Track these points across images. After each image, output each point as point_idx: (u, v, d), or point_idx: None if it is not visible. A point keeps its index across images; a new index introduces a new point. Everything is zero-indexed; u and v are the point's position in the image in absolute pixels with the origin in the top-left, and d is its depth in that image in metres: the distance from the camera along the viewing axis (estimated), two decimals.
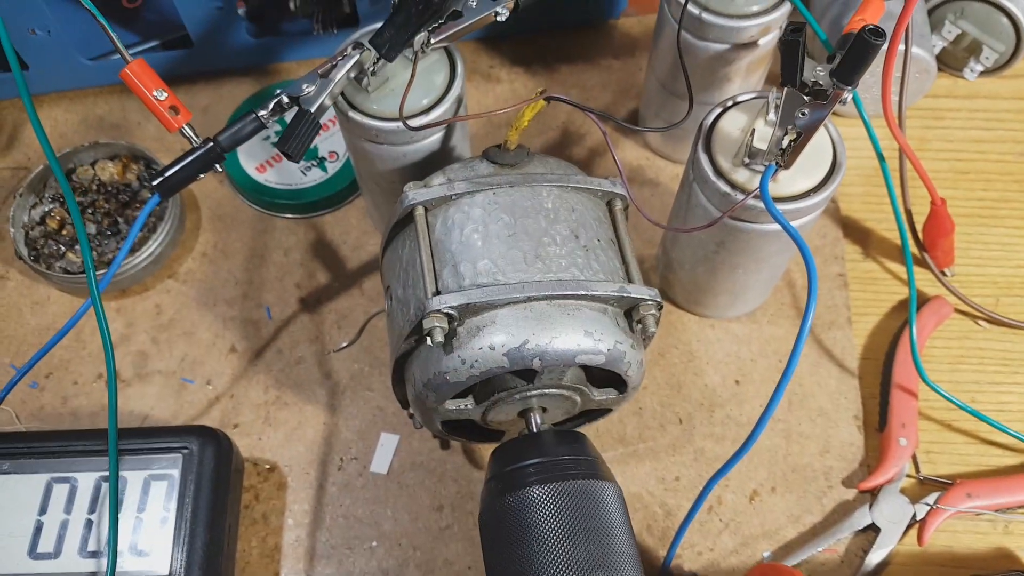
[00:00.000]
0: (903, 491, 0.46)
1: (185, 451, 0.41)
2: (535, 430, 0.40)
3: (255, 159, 0.56)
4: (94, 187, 0.55)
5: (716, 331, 0.51)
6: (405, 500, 0.46)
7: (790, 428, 0.48)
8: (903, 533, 0.44)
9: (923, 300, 0.51)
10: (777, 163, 0.39)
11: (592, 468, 0.37)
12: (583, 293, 0.37)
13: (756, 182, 0.40)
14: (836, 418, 0.48)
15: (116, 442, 0.38)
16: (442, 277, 0.38)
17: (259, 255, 0.54)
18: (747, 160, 0.40)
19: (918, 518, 0.45)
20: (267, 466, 0.47)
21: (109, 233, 0.53)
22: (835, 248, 0.54)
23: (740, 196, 0.40)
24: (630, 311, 0.38)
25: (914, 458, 0.47)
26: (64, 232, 0.53)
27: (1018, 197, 0.56)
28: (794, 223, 0.41)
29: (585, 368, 0.41)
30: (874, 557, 0.44)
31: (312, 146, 0.56)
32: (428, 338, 0.36)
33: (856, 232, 0.55)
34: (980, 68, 0.58)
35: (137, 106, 0.60)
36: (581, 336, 0.36)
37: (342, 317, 0.52)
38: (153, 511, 0.41)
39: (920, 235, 0.52)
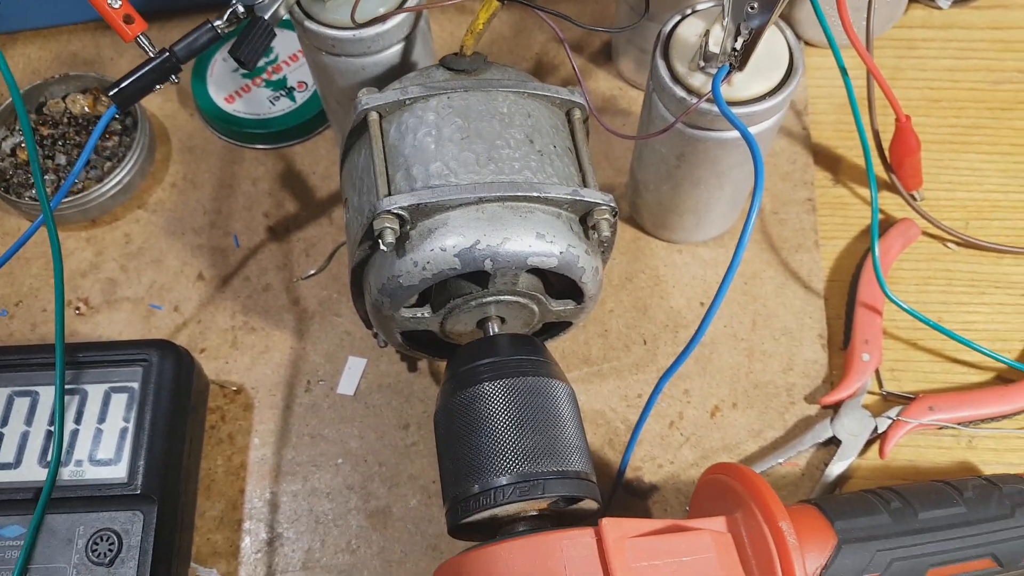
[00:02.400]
0: (866, 406, 0.45)
1: (144, 363, 0.41)
2: (485, 337, 0.39)
3: (224, 89, 0.55)
4: (65, 119, 0.54)
5: (683, 256, 0.50)
6: (372, 420, 0.46)
7: (753, 347, 0.48)
8: (864, 446, 0.44)
9: (891, 222, 0.51)
10: (730, 64, 0.38)
11: (543, 368, 0.37)
12: (535, 195, 0.36)
13: (708, 87, 0.39)
14: (800, 337, 0.48)
15: (63, 347, 0.38)
16: (395, 181, 0.37)
17: (228, 185, 0.54)
18: (702, 64, 0.39)
19: (879, 432, 0.44)
20: (233, 388, 0.47)
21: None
22: (804, 174, 0.53)
23: (694, 100, 0.39)
24: (584, 217, 0.38)
25: (877, 374, 0.46)
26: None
27: (989, 124, 0.55)
28: (752, 129, 0.41)
29: (542, 278, 0.41)
30: (834, 469, 0.43)
31: (281, 76, 0.56)
32: (379, 241, 0.36)
33: (826, 159, 0.54)
34: None
35: (111, 42, 0.59)
36: (533, 238, 0.36)
37: (311, 245, 0.52)
38: (113, 422, 0.40)
39: (887, 156, 0.51)
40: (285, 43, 0.57)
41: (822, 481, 0.43)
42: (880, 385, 0.46)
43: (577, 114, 0.41)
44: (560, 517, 0.36)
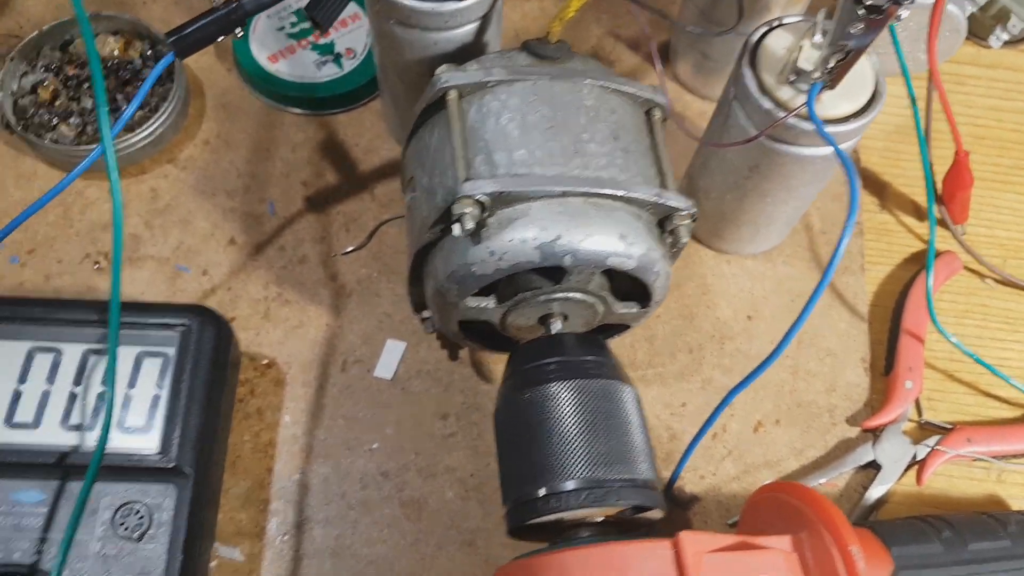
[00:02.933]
0: (905, 433, 0.45)
1: (183, 329, 0.39)
2: (550, 335, 0.38)
3: (267, 48, 0.53)
4: None
5: (732, 267, 0.50)
6: (409, 407, 0.45)
7: (798, 365, 0.47)
8: (903, 472, 0.44)
9: (936, 254, 0.51)
10: (823, 82, 0.37)
11: (612, 370, 0.36)
12: (621, 194, 0.35)
13: (799, 101, 0.38)
14: (844, 359, 0.48)
15: (119, 309, 0.35)
16: (474, 165, 0.35)
17: (265, 149, 0.51)
18: (792, 78, 0.39)
19: (918, 459, 0.44)
20: (264, 361, 0.45)
21: (108, 109, 0.49)
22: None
23: (782, 113, 0.38)
24: (663, 221, 0.37)
25: (917, 403, 0.46)
26: (58, 104, 0.49)
27: None
28: (826, 148, 0.40)
29: (610, 279, 0.39)
30: (874, 492, 0.43)
31: (329, 41, 0.53)
32: (457, 226, 0.34)
33: (873, 184, 0.54)
34: (1006, 37, 0.58)
35: None
36: (615, 238, 0.35)
37: (351, 220, 0.49)
38: (144, 388, 0.38)
39: (939, 188, 0.51)
40: None
41: (861, 504, 0.43)
42: (919, 413, 0.46)
43: (657, 114, 0.40)
44: (623, 524, 0.35)
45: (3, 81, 0.49)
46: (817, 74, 0.38)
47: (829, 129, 0.38)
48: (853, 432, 0.46)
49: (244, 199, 0.49)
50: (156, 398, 0.38)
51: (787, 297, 0.49)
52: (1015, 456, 0.45)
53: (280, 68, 0.52)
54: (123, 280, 0.46)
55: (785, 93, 0.39)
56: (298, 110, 0.52)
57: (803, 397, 0.46)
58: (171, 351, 0.39)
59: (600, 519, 0.34)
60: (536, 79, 0.37)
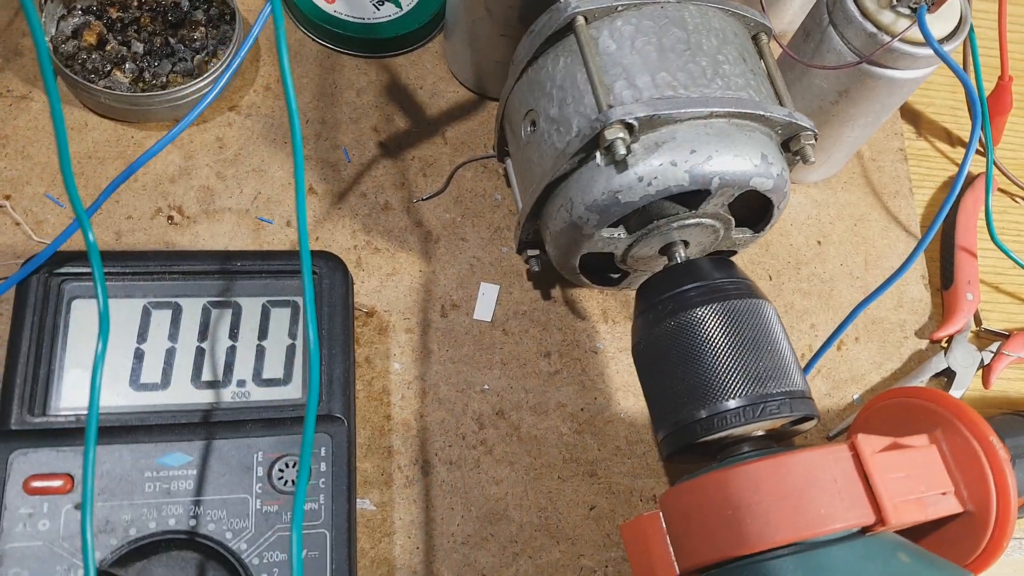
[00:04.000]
0: (970, 341, 0.47)
1: (313, 275, 0.36)
2: (680, 262, 0.38)
3: None
4: (135, 3, 0.46)
5: (797, 195, 0.50)
6: (512, 347, 0.43)
7: (868, 285, 0.49)
8: (973, 376, 0.46)
9: (971, 175, 0.53)
10: (928, 3, 0.38)
11: (750, 289, 0.36)
12: (761, 114, 0.35)
13: (900, 25, 0.39)
14: (906, 277, 0.49)
15: (309, 255, 0.31)
16: (615, 91, 0.34)
17: (329, 94, 0.48)
18: (894, 2, 0.39)
19: (984, 364, 0.47)
20: (365, 311, 0.42)
21: (163, 54, 0.45)
22: (895, 124, 0.55)
23: (887, 37, 0.39)
24: (788, 142, 0.37)
25: (976, 313, 0.49)
26: (108, 48, 0.44)
27: None
28: (920, 71, 0.41)
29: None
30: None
31: None
32: (604, 153, 0.33)
33: (908, 113, 0.56)
34: None
35: None
36: (758, 158, 0.34)
37: (427, 165, 0.47)
38: (277, 338, 0.35)
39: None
40: None
41: None
42: (978, 323, 0.49)
43: (764, 38, 0.39)
44: (778, 436, 0.35)
45: (42, 24, 0.43)
46: None
47: (927, 52, 0.39)
48: (923, 344, 0.48)
49: (316, 146, 0.46)
50: (292, 347, 0.35)
51: (850, 222, 0.50)
52: None
53: (338, 8, 0.48)
54: (202, 233, 0.43)
55: (886, 17, 0.39)
56: (356, 52, 0.49)
57: (876, 314, 0.48)
58: (298, 299, 0.36)
59: (760, 433, 0.34)
60: (664, 2, 0.36)
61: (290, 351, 0.35)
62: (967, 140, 0.54)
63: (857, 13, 0.39)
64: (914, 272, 0.50)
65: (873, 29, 0.39)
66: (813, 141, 0.36)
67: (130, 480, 0.31)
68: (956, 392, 0.46)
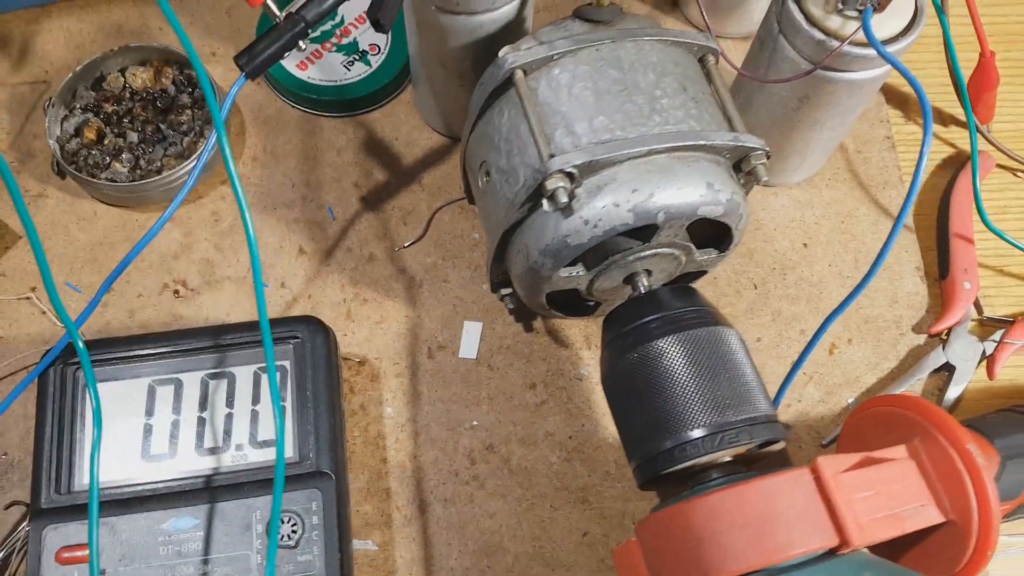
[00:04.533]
0: (971, 332, 0.46)
1: (295, 340, 0.39)
2: (643, 292, 0.38)
3: (295, 57, 0.51)
4: (127, 95, 0.49)
5: (779, 198, 0.50)
6: (498, 381, 0.45)
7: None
8: (975, 369, 0.45)
9: (965, 156, 0.51)
10: (872, 5, 0.37)
11: (712, 316, 0.36)
12: (702, 143, 0.35)
13: (848, 29, 0.38)
14: (899, 271, 0.48)
15: (268, 327, 0.34)
16: (555, 139, 0.35)
17: (311, 156, 0.50)
18: (840, 6, 0.38)
19: (987, 355, 0.45)
20: (357, 360, 0.45)
21: (155, 140, 0.48)
22: (879, 112, 0.53)
23: (835, 43, 0.38)
24: (739, 163, 0.37)
25: (976, 301, 0.47)
26: (106, 142, 0.48)
27: None
28: (877, 70, 0.40)
29: (689, 228, 0.39)
30: (952, 392, 0.44)
31: (352, 39, 0.52)
32: (548, 201, 0.34)
33: (895, 98, 0.54)
34: None
35: (156, 11, 0.54)
36: (704, 188, 0.35)
37: (407, 213, 0.49)
38: (268, 402, 0.38)
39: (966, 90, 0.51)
40: (350, 6, 0.53)
41: (943, 406, 0.44)
42: (979, 312, 0.47)
43: (711, 60, 0.39)
44: (748, 459, 0.35)
45: (48, 128, 0.47)
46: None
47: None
48: (921, 339, 0.47)
49: (304, 208, 0.49)
50: (282, 409, 0.38)
51: (836, 220, 0.49)
52: None
53: (311, 74, 0.51)
54: (205, 303, 0.46)
55: (833, 22, 0.38)
56: (333, 113, 0.51)
57: (869, 313, 0.47)
58: (287, 363, 0.38)
59: (728, 459, 0.34)
60: (599, 45, 0.36)
61: (281, 413, 0.37)
62: (959, 118, 0.52)
63: (804, 21, 0.39)
64: (908, 264, 0.49)
65: (821, 36, 0.38)
66: (764, 160, 0.36)
67: (146, 545, 0.34)
68: (957, 387, 0.44)
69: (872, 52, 0.38)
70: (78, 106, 0.49)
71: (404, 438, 0.43)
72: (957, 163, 0.51)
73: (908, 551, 0.35)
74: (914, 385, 0.45)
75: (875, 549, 0.37)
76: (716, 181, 0.35)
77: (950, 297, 0.46)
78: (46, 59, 0.53)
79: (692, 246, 0.39)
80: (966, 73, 0.51)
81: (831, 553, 0.30)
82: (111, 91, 0.50)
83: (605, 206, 0.34)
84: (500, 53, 0.37)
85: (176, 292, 0.46)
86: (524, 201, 0.35)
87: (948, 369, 0.45)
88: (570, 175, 0.34)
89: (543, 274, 0.37)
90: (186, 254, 0.47)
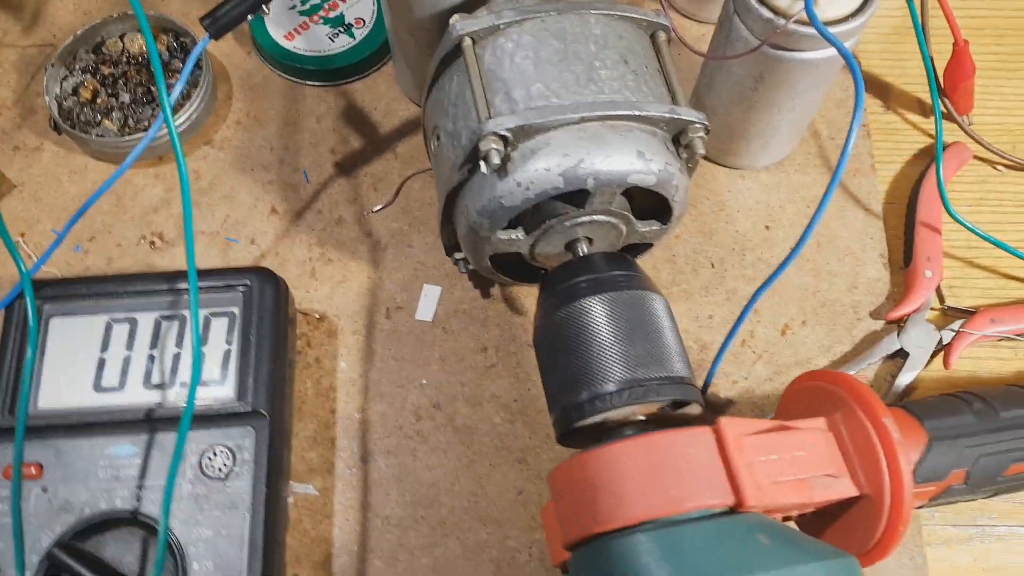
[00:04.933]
0: (929, 320, 0.45)
1: (244, 288, 0.40)
2: (575, 258, 0.39)
3: (283, 27, 0.53)
4: (124, 59, 0.52)
5: (746, 181, 0.50)
6: (451, 344, 0.46)
7: (819, 267, 0.47)
8: (930, 358, 0.44)
9: (944, 146, 0.50)
10: None
11: (641, 282, 0.37)
12: (635, 113, 0.35)
13: (798, 7, 0.38)
14: (863, 257, 0.48)
15: (195, 271, 0.37)
16: (494, 104, 0.36)
17: (292, 123, 0.52)
18: None
19: (943, 344, 0.45)
20: (317, 316, 0.46)
21: (144, 101, 0.51)
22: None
23: (782, 21, 0.38)
24: (677, 137, 0.37)
25: (939, 290, 0.46)
26: (99, 101, 0.51)
27: None
28: (830, 50, 0.40)
29: (630, 200, 0.40)
30: (903, 379, 0.44)
31: (339, 13, 0.54)
32: (484, 162, 0.35)
33: (876, 86, 0.54)
34: None
35: None
36: (634, 156, 0.35)
37: (378, 180, 0.50)
38: (216, 345, 0.40)
39: (941, 80, 0.50)
40: None
41: (892, 391, 0.44)
42: (941, 301, 0.46)
43: (662, 36, 0.40)
44: (664, 421, 0.36)
45: (47, 87, 0.50)
46: None
47: (831, 30, 0.38)
48: (878, 325, 0.46)
49: (280, 171, 0.51)
50: (227, 352, 0.39)
51: (802, 204, 0.49)
52: None
53: (297, 45, 0.53)
54: (179, 255, 0.48)
55: (783, 1, 0.39)
56: (317, 82, 0.53)
57: (827, 297, 0.47)
58: (236, 309, 0.40)
59: (642, 417, 0.35)
60: (544, 16, 0.37)
61: (226, 356, 0.39)
62: (946, 111, 0.52)
63: (753, 0, 0.39)
64: (872, 251, 0.48)
65: (769, 15, 0.38)
66: (702, 134, 0.37)
67: (87, 467, 0.36)
68: (909, 374, 0.44)
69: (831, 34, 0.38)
70: (78, 67, 0.52)
71: (354, 392, 0.45)
72: (933, 154, 0.50)
73: (831, 524, 0.35)
74: (865, 370, 0.45)
75: (802, 522, 0.37)
76: (648, 151, 0.36)
77: (910, 284, 0.46)
78: (55, 24, 0.56)
79: (630, 216, 0.39)
80: (944, 65, 0.50)
81: (731, 513, 0.31)
82: (109, 55, 0.52)
83: (537, 170, 0.35)
84: (451, 21, 0.38)
85: (152, 243, 0.49)
86: (463, 163, 0.36)
87: (902, 356, 0.44)
88: (504, 138, 0.35)
89: (482, 235, 0.38)
90: (165, 208, 0.50)
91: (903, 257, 0.47)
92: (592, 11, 0.38)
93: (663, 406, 0.34)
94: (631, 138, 0.35)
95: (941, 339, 0.44)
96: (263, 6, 0.39)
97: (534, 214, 0.38)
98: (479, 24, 0.37)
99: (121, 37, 0.53)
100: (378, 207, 0.50)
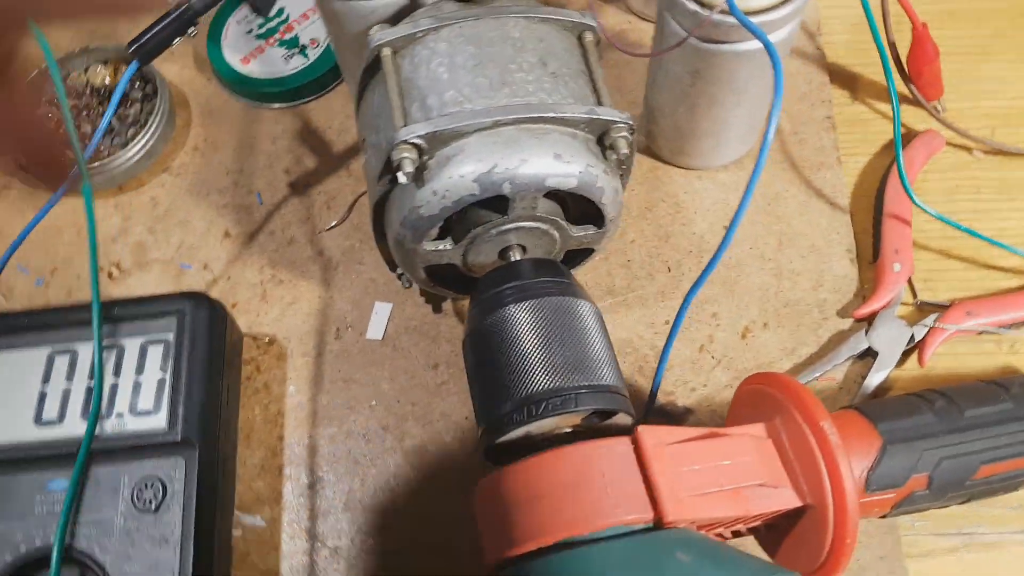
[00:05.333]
0: (901, 317, 0.43)
1: (178, 314, 0.40)
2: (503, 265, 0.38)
3: (239, 52, 0.54)
4: (87, 91, 0.53)
5: (703, 182, 0.48)
6: (401, 362, 0.45)
7: (780, 266, 0.45)
8: (903, 357, 0.42)
9: (914, 135, 0.48)
10: None
11: (567, 288, 0.35)
12: (551, 116, 0.34)
13: None
14: (828, 253, 0.45)
15: (99, 304, 0.37)
16: (411, 113, 0.35)
17: (248, 145, 0.52)
18: None
19: (916, 340, 0.42)
20: (266, 339, 0.46)
21: (105, 131, 0.51)
22: (821, 93, 0.50)
23: (707, 12, 0.37)
24: (601, 137, 0.36)
25: (911, 284, 0.44)
26: (61, 131, 0.52)
27: (1010, 33, 0.52)
28: (771, 39, 0.38)
29: (562, 204, 0.39)
30: (873, 380, 0.41)
31: (293, 35, 0.54)
32: (399, 172, 0.34)
33: (842, 78, 0.51)
34: None
35: (127, 18, 0.58)
36: (551, 159, 0.34)
37: (331, 198, 0.50)
38: (151, 373, 0.39)
39: (905, 67, 0.48)
40: (296, 1, 0.55)
41: (861, 393, 0.41)
42: (914, 295, 0.44)
43: (589, 37, 0.38)
44: (595, 433, 0.34)
45: None
46: None
47: (757, 20, 0.36)
48: (846, 324, 0.44)
49: (234, 194, 0.51)
50: (162, 381, 0.39)
51: (763, 201, 0.47)
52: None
53: (252, 68, 0.53)
54: (134, 284, 0.48)
55: None
56: (274, 104, 0.53)
57: (789, 296, 0.44)
58: (170, 336, 0.40)
59: (568, 430, 0.33)
60: (461, 22, 0.37)
61: (160, 384, 0.39)
62: (909, 97, 0.49)
63: None
64: (838, 246, 0.46)
65: (695, 7, 0.37)
66: (625, 134, 0.35)
67: (23, 504, 0.36)
68: (880, 374, 0.41)
69: (755, 19, 0.37)
70: (43, 100, 0.53)
71: (303, 417, 0.44)
72: (904, 143, 0.48)
73: (785, 539, 0.33)
74: (832, 371, 0.42)
75: (759, 537, 0.35)
76: (566, 153, 0.34)
77: (878, 279, 0.43)
78: (28, 60, 0.57)
79: (561, 221, 0.38)
80: (905, 52, 0.48)
81: (653, 529, 0.29)
82: (73, 87, 0.54)
83: (452, 177, 0.34)
84: (370, 32, 0.38)
85: (110, 274, 0.49)
86: (382, 173, 0.36)
87: (872, 355, 0.42)
88: (417, 146, 0.34)
89: (407, 247, 0.37)
90: (123, 237, 0.50)
91: (872, 251, 0.45)
92: (511, 15, 0.37)
93: (587, 416, 0.33)
94: (547, 140, 0.34)
95: (913, 336, 0.42)
96: (190, 28, 0.39)
97: (459, 223, 0.37)
98: (397, 33, 0.36)
99: (85, 70, 0.54)
100: (330, 225, 0.49)
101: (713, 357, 0.43)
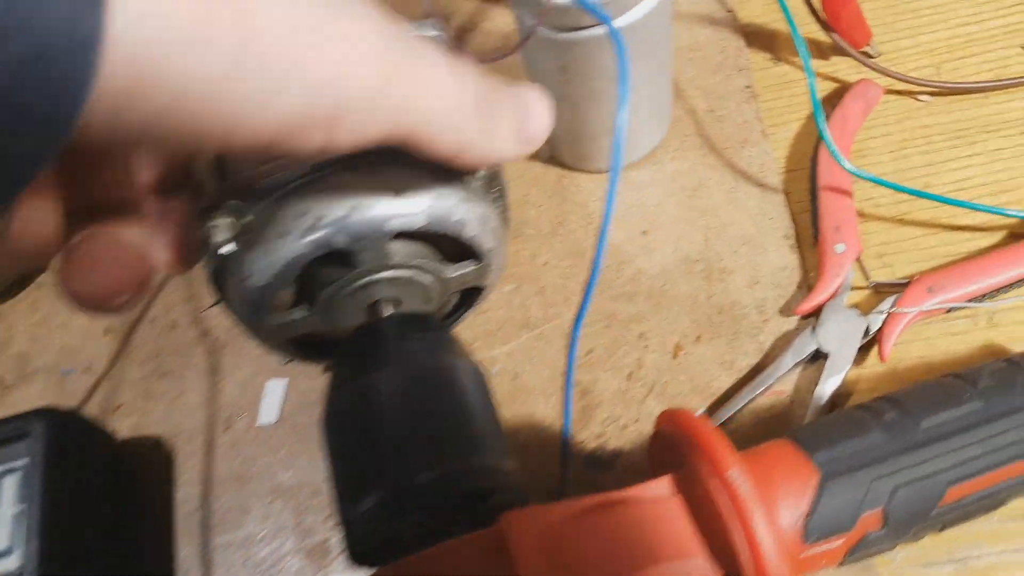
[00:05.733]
0: (854, 306, 0.37)
1: (27, 438, 0.36)
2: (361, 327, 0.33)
3: None
4: None
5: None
6: (299, 445, 0.40)
7: (709, 266, 0.40)
8: (859, 351, 0.36)
9: (845, 88, 0.42)
10: None
11: (438, 346, 0.30)
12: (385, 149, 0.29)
13: None
14: (763, 242, 0.40)
15: None
16: (227, 173, 0.31)
17: None
18: None
19: (873, 331, 0.36)
20: (153, 442, 0.42)
21: None
22: (738, 60, 0.45)
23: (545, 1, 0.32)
24: None
25: (860, 265, 0.38)
26: None
27: None
28: (626, 17, 0.33)
29: (431, 242, 0.34)
30: (827, 387, 0.35)
31: None
32: (217, 244, 0.30)
33: (760, 39, 0.46)
34: None
35: None
36: (390, 198, 0.29)
37: None
38: (7, 507, 0.35)
39: (821, 13, 0.42)
40: None
41: (813, 405, 0.35)
42: (866, 277, 0.38)
43: None
44: (474, 519, 0.29)
45: None
46: None
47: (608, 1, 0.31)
48: (791, 323, 0.38)
49: None
50: (20, 513, 0.35)
51: (683, 195, 0.42)
52: (1000, 289, 0.36)
53: None
54: (18, 399, 0.45)
55: None
56: None
57: (722, 301, 0.39)
58: (26, 462, 0.36)
59: (442, 518, 0.28)
60: None
61: (19, 518, 0.35)
62: (836, 46, 0.43)
63: None
64: (773, 233, 0.40)
65: None
66: None
67: None
68: (834, 379, 0.35)
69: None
70: None
71: (193, 526, 0.39)
72: (834, 102, 0.42)
73: None
74: (778, 383, 0.36)
75: None
76: (408, 187, 0.30)
77: (820, 266, 0.37)
78: None
79: (426, 264, 0.33)
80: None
81: None
82: None
83: (275, 239, 0.30)
84: None
85: None
86: (202, 247, 0.31)
87: (823, 357, 0.36)
88: (231, 209, 0.30)
89: (252, 325, 0.33)
90: (5, 350, 0.47)
91: (813, 233, 0.39)
92: None
93: (463, 499, 0.28)
94: (382, 177, 0.30)
95: (868, 327, 0.36)
96: None
97: (308, 285, 0.33)
98: None
99: None
100: (212, 303, 0.45)
101: (644, 385, 0.38)
